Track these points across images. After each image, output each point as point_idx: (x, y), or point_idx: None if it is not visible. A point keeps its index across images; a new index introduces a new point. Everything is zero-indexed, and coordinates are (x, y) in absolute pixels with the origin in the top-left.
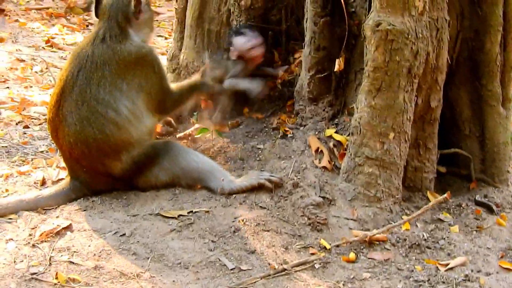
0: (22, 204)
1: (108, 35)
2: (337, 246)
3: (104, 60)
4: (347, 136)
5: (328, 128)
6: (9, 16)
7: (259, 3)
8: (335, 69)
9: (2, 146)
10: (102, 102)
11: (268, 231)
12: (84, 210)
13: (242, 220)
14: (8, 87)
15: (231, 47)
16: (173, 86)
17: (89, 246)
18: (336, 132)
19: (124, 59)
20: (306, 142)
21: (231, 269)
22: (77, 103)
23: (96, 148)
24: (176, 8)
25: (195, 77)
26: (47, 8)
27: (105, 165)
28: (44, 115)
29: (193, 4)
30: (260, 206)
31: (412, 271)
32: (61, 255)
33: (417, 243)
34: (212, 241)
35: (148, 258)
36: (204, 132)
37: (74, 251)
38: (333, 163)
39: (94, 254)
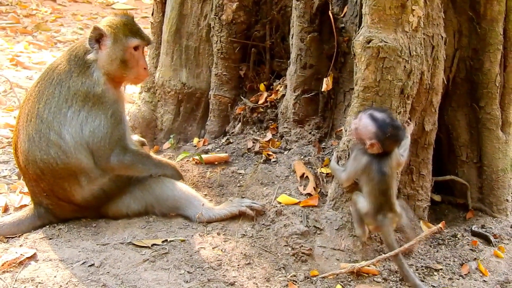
0: None
1: (74, 56)
2: (323, 278)
3: (61, 79)
4: None
5: (315, 152)
6: None
7: (241, 17)
8: (323, 89)
9: None
10: (46, 122)
11: (249, 262)
12: (50, 239)
13: (221, 250)
14: None
15: None
16: (133, 147)
17: (55, 277)
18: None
19: (75, 87)
20: (291, 167)
21: None
22: (27, 118)
23: (47, 170)
24: (152, 23)
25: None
26: (12, 24)
27: (66, 191)
28: (7, 138)
29: (170, 18)
30: (241, 235)
31: None
32: (25, 287)
33: None
34: (189, 272)
35: None
36: (185, 157)
37: (39, 282)
38: (319, 189)
39: (61, 286)
